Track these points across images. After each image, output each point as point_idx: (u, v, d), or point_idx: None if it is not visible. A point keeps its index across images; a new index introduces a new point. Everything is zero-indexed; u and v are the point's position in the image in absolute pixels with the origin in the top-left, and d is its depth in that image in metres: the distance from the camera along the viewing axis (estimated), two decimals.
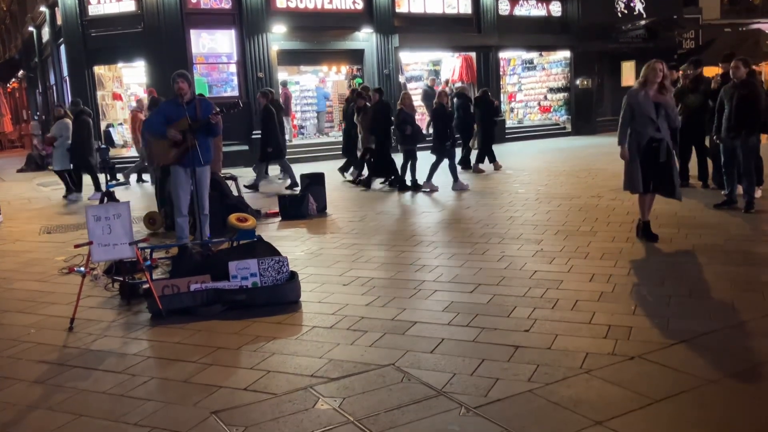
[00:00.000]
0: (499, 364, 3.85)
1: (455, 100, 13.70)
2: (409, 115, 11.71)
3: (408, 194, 11.22)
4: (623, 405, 3.28)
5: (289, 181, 12.54)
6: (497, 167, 13.93)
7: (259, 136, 13.34)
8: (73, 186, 12.81)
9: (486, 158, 14.03)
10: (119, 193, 9.26)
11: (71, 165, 12.71)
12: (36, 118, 26.58)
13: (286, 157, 13.18)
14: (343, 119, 15.55)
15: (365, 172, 12.74)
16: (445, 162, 11.33)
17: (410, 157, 11.63)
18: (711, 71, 12.34)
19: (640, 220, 6.85)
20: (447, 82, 21.36)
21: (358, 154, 13.31)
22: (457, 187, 11.21)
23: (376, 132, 12.32)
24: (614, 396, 3.40)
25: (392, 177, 12.12)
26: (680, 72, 10.78)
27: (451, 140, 11.40)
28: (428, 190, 11.16)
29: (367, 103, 12.80)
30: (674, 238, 6.72)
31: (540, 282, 5.48)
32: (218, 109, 6.71)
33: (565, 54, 23.70)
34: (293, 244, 7.60)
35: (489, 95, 14.94)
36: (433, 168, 11.31)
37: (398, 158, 12.13)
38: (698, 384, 3.48)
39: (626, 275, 5.56)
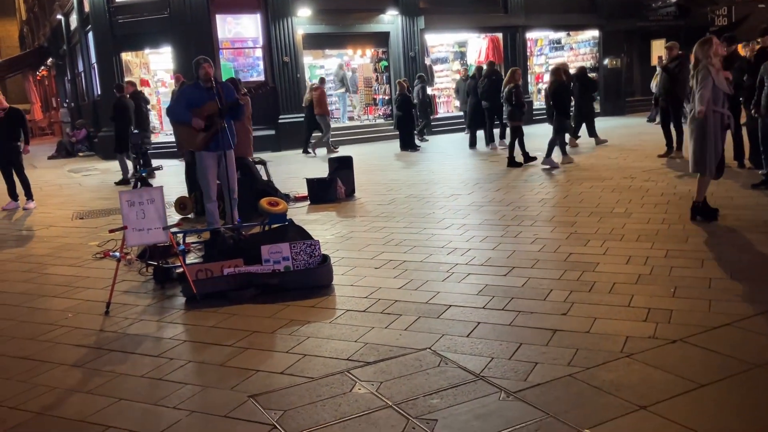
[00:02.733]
0: (537, 348, 3.79)
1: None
2: (520, 90, 11.85)
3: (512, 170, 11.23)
4: (667, 389, 3.21)
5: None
6: (599, 141, 14.18)
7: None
8: None
9: (589, 132, 14.36)
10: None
11: None
12: (65, 105, 26.91)
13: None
14: (468, 94, 15.89)
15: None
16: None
17: (518, 133, 11.63)
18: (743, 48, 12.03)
19: (699, 202, 6.63)
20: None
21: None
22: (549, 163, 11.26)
23: None
24: (657, 380, 3.32)
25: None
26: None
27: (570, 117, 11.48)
28: (549, 166, 11.07)
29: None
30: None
31: (575, 264, 5.39)
32: (245, 91, 6.69)
33: (594, 33, 23.29)
34: (323, 227, 7.59)
35: (587, 72, 15.01)
36: (552, 144, 11.27)
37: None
38: (744, 368, 3.39)
39: (664, 257, 5.44)
